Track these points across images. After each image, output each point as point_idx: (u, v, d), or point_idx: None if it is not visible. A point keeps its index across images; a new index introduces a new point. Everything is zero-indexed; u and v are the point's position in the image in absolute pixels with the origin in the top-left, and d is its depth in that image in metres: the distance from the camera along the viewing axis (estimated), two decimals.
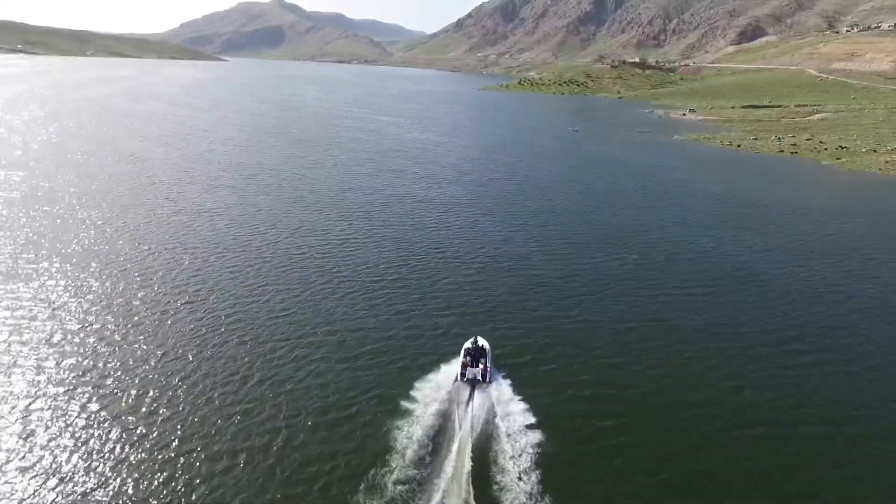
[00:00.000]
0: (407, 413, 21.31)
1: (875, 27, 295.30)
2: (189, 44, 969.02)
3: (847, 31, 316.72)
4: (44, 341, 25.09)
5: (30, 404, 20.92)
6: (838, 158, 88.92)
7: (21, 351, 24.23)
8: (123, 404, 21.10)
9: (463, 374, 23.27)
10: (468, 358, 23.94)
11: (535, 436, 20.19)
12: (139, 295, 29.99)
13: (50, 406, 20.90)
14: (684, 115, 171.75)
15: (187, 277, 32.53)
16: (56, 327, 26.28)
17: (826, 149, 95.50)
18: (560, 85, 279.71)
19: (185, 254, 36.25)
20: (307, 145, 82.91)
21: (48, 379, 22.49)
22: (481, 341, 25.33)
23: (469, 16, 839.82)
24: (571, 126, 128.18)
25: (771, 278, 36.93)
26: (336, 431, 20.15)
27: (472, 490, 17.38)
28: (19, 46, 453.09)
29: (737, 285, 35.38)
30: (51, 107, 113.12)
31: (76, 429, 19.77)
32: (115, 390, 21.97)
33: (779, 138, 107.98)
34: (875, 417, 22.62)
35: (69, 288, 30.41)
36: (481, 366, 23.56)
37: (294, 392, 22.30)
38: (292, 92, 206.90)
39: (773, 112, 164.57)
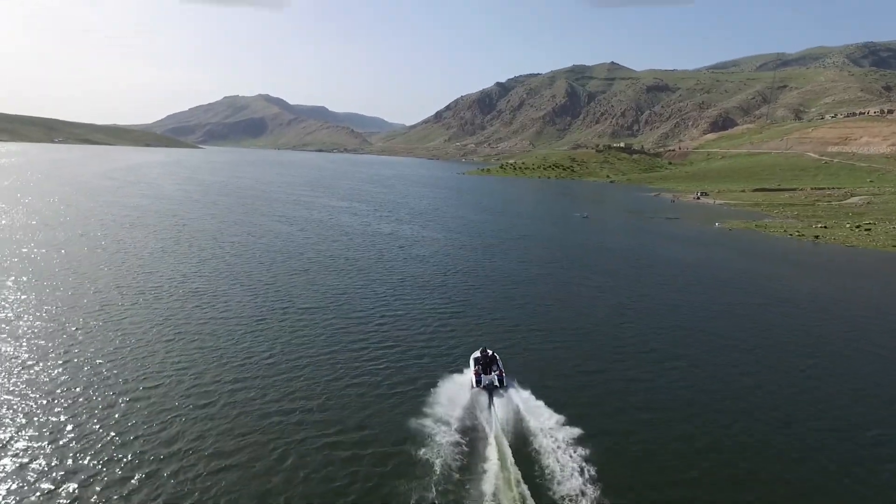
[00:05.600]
0: (427, 426, 19.10)
1: (861, 113, 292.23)
2: (172, 133, 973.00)
3: (832, 117, 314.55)
4: None
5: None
6: None
7: None
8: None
9: (478, 381, 21.51)
10: (479, 367, 22.23)
11: (570, 428, 18.81)
12: None
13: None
14: (698, 198, 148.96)
15: None
16: None
17: None
18: (545, 169, 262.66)
19: None
20: (194, 252, 51.62)
21: None
22: (489, 351, 23.36)
23: (448, 108, 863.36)
24: (578, 212, 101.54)
25: None
26: (356, 451, 17.85)
27: (524, 485, 15.75)
28: None
29: None
30: None
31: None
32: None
33: (858, 227, 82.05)
34: None
35: None
36: (495, 372, 21.88)
37: (306, 415, 20.01)
38: (237, 174, 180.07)
39: (802, 195, 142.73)
